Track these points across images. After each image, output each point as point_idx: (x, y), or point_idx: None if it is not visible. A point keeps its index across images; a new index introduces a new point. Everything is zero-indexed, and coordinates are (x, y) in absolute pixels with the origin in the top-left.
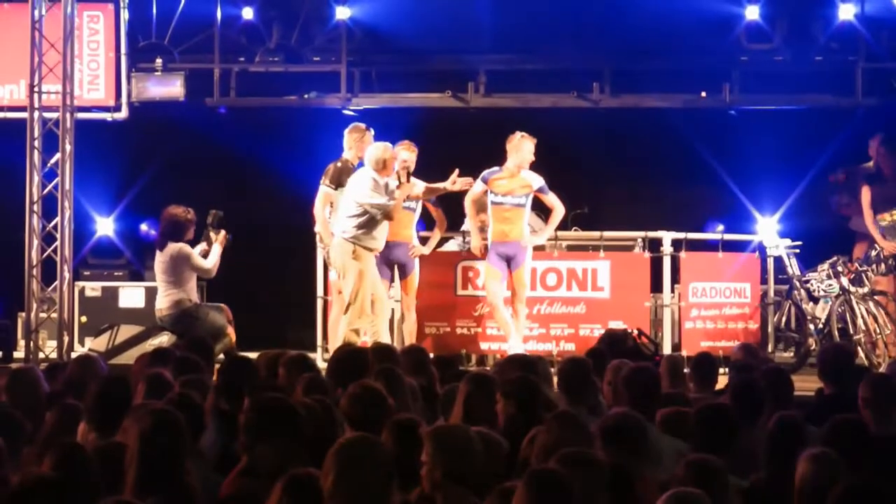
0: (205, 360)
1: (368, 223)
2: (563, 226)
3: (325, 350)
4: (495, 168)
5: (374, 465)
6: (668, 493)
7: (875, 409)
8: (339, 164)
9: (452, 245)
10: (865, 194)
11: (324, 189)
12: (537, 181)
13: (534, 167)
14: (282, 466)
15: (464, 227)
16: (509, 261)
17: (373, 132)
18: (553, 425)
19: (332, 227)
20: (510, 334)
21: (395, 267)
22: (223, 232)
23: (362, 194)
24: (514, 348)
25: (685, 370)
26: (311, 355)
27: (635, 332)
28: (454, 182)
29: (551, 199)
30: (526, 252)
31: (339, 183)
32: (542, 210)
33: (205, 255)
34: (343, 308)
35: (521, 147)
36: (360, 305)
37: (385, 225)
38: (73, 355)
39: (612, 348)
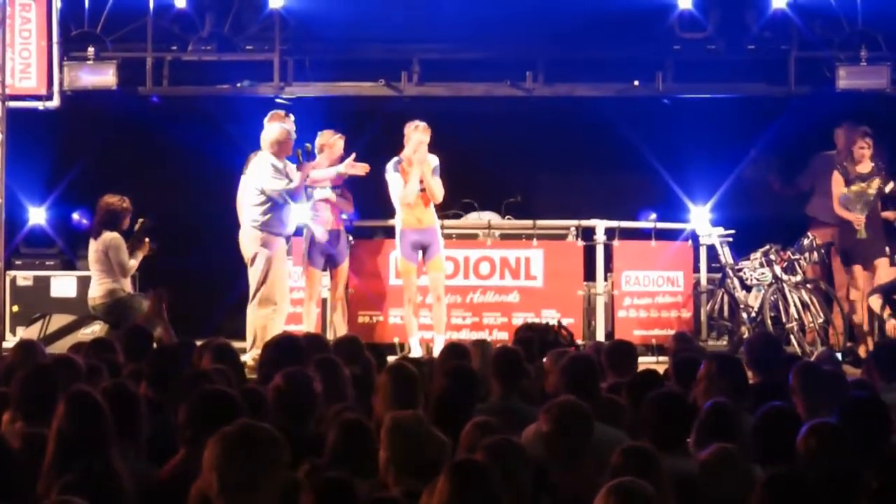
0: (145, 349)
1: (273, 209)
2: (497, 213)
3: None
4: (395, 158)
5: (258, 454)
6: (608, 483)
7: (804, 397)
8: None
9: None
10: (837, 180)
11: (242, 179)
12: (433, 161)
13: (466, 154)
14: None
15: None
16: (424, 249)
17: (292, 118)
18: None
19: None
20: (412, 332)
21: (327, 257)
22: (147, 240)
23: (263, 180)
24: (414, 347)
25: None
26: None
27: (554, 323)
28: (351, 166)
29: (434, 183)
30: (439, 238)
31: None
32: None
33: None
34: (253, 296)
35: (419, 139)
36: (267, 292)
37: (292, 208)
38: (4, 345)
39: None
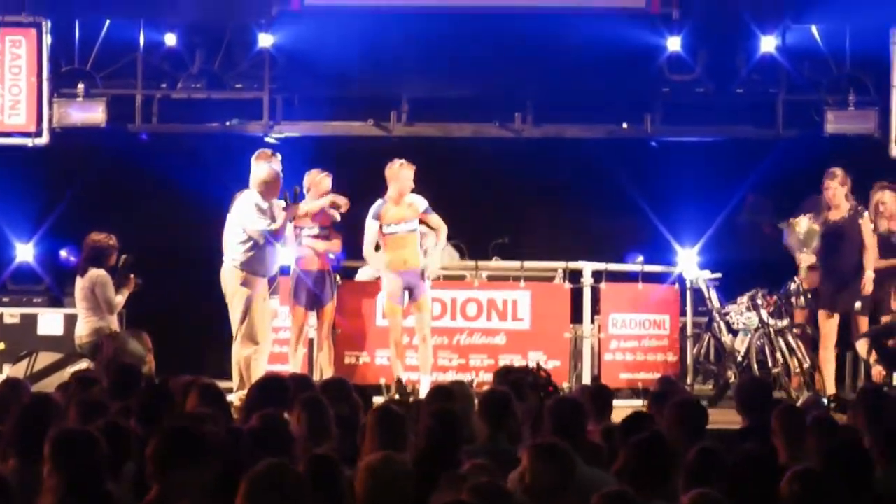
0: (134, 386)
1: (255, 248)
2: (484, 255)
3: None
4: (379, 201)
5: (287, 492)
6: None
7: (785, 440)
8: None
9: (365, 273)
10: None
11: (228, 218)
12: (422, 203)
13: (453, 195)
14: (192, 496)
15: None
16: (410, 290)
17: (279, 157)
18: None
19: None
20: (396, 372)
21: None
22: (132, 277)
23: (245, 219)
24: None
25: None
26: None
27: (534, 365)
28: (332, 203)
29: (435, 220)
30: (426, 280)
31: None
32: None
33: None
34: (236, 336)
35: (401, 175)
36: (249, 331)
37: (275, 249)
38: None
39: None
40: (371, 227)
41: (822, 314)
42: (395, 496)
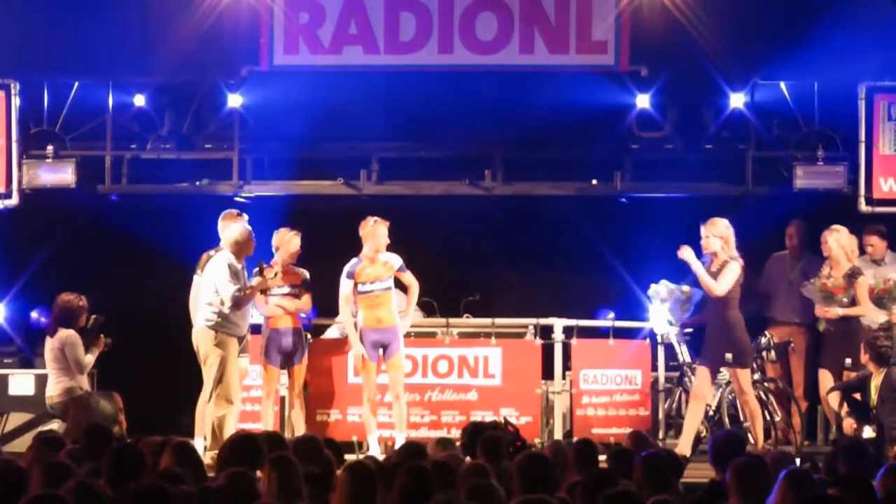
0: (105, 447)
1: (228, 309)
2: (455, 312)
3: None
4: (354, 260)
5: None
6: None
7: (740, 494)
8: (210, 252)
9: (333, 332)
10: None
11: (194, 279)
12: (397, 261)
13: (424, 253)
14: None
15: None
16: (384, 348)
17: (246, 217)
18: None
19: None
20: (371, 430)
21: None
22: (102, 337)
23: (217, 281)
24: (372, 445)
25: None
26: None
27: (502, 420)
28: (261, 282)
29: (409, 278)
30: (400, 338)
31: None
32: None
33: None
34: (207, 396)
35: (376, 232)
36: (223, 391)
37: (246, 309)
38: None
39: (475, 438)
40: (345, 285)
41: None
42: None
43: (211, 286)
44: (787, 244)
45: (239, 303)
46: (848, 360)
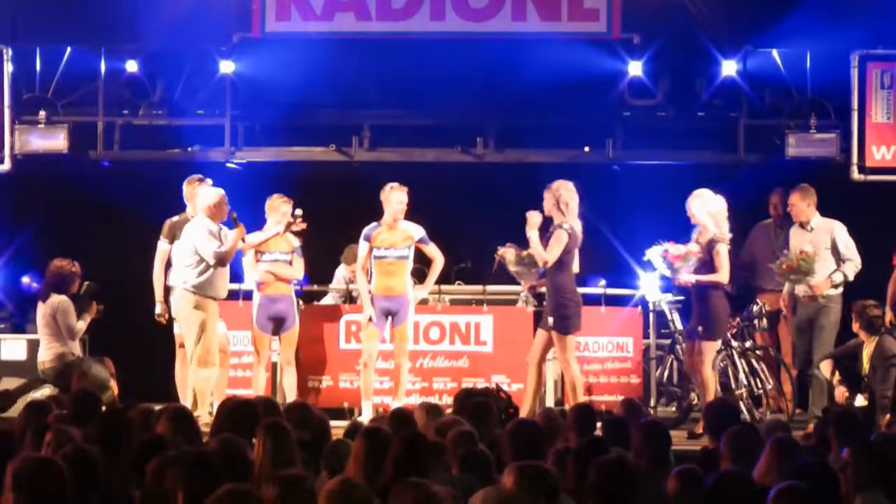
0: (93, 413)
1: (206, 271)
2: (447, 280)
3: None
4: (374, 224)
5: None
6: None
7: (733, 462)
8: (173, 219)
9: (329, 299)
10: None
11: (158, 245)
12: (418, 232)
13: (417, 219)
14: None
15: (333, 285)
16: (392, 315)
17: (209, 182)
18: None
19: (169, 280)
20: (366, 396)
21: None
22: (94, 303)
23: (196, 242)
24: (366, 411)
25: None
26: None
27: (494, 386)
28: (288, 225)
29: (431, 250)
30: (409, 307)
31: (173, 237)
32: (457, 276)
33: None
34: (188, 359)
35: (390, 198)
36: (204, 352)
37: (224, 271)
38: None
39: (466, 404)
40: (361, 247)
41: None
42: None
43: (189, 249)
44: (772, 213)
45: (222, 259)
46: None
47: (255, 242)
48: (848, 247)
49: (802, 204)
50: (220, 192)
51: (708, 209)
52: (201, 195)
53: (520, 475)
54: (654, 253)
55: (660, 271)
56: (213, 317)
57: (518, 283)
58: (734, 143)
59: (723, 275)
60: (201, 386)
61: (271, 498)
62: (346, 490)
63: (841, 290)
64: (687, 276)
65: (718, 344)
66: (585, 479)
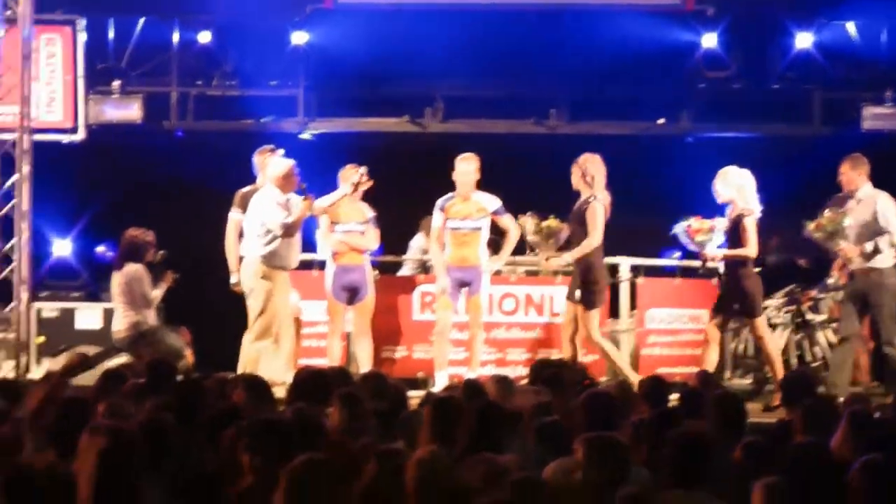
0: (168, 382)
1: (274, 241)
2: (521, 251)
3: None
4: (449, 194)
5: (326, 486)
6: None
7: (807, 434)
8: (244, 189)
9: (405, 270)
10: None
11: (230, 216)
12: (493, 203)
13: (489, 191)
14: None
15: (407, 256)
16: (466, 286)
17: (281, 152)
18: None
19: (241, 250)
20: (440, 367)
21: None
22: (170, 272)
23: (263, 212)
24: (439, 382)
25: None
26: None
27: (569, 358)
28: (354, 185)
29: (506, 221)
30: (483, 278)
31: (245, 207)
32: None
33: None
34: (249, 329)
35: (458, 170)
36: (265, 325)
37: (295, 242)
38: (30, 376)
39: (541, 375)
40: (435, 218)
41: None
42: (443, 491)
43: (257, 220)
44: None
45: (290, 229)
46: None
47: (324, 206)
48: (887, 218)
49: (853, 173)
50: (290, 162)
51: (734, 183)
52: (270, 165)
53: (588, 448)
54: (679, 228)
55: (687, 247)
56: (281, 288)
57: None
58: (808, 115)
59: (750, 249)
60: (252, 357)
61: (370, 473)
62: (436, 461)
63: (887, 263)
64: (714, 252)
65: (764, 317)
66: (660, 450)
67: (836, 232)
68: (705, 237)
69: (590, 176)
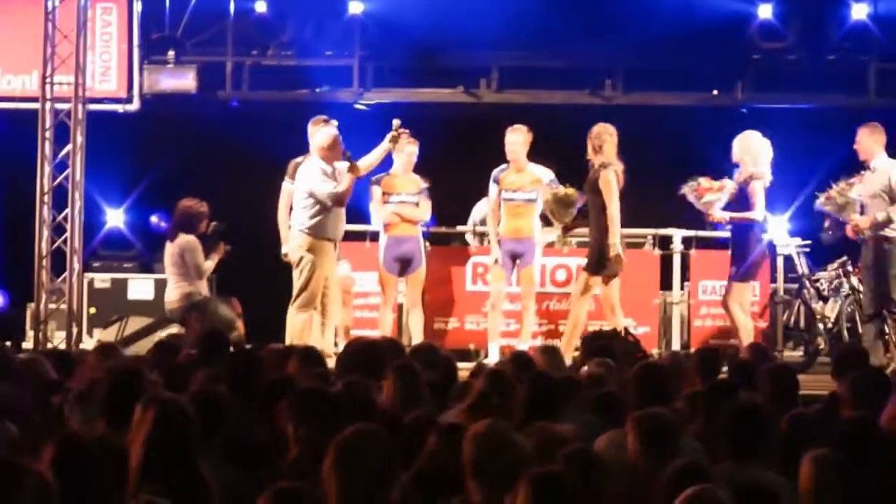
0: (221, 353)
1: (321, 213)
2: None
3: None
4: (503, 165)
5: (377, 457)
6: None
7: (856, 407)
8: (297, 160)
9: (470, 238)
10: None
11: (283, 186)
12: (547, 175)
13: (544, 162)
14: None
15: (465, 227)
16: (519, 258)
17: (334, 123)
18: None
19: (290, 221)
20: (493, 338)
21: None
22: (222, 244)
23: (311, 183)
24: (492, 353)
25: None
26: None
27: (622, 330)
28: (392, 141)
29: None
30: (535, 250)
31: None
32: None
33: None
34: (294, 300)
35: (506, 140)
36: (308, 297)
37: (341, 213)
38: (82, 346)
39: (593, 347)
40: (491, 189)
41: None
42: (500, 464)
43: (304, 191)
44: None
45: (339, 199)
46: None
47: (367, 165)
48: None
49: (869, 140)
50: (334, 132)
51: (750, 147)
52: (316, 136)
53: (638, 426)
54: (688, 188)
55: (696, 206)
56: (327, 259)
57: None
58: (864, 86)
59: (757, 212)
60: (296, 328)
61: (430, 446)
62: (497, 434)
63: None
64: (720, 214)
65: (750, 285)
66: (715, 422)
67: (846, 204)
68: (713, 196)
69: (598, 145)
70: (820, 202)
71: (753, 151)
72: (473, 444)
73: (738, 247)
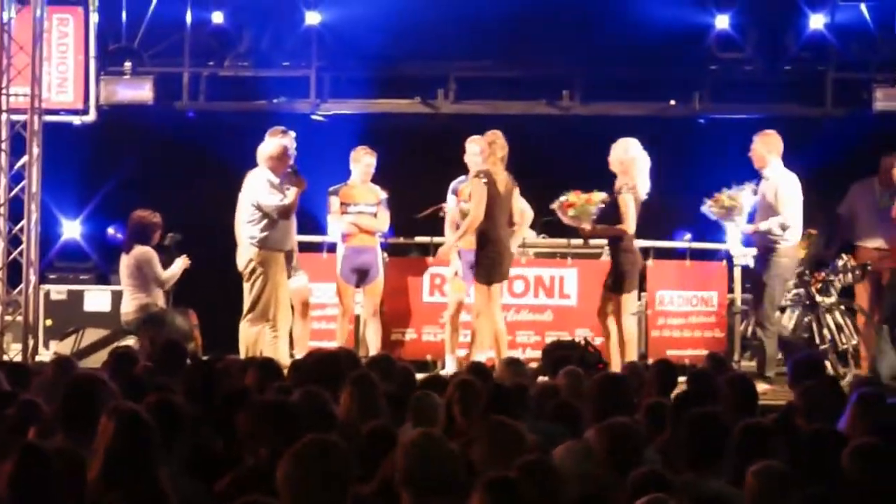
0: (179, 364)
1: (270, 225)
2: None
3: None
4: (461, 177)
5: (331, 468)
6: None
7: (809, 417)
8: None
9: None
10: None
11: (240, 197)
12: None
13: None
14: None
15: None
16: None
17: (292, 134)
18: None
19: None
20: (450, 350)
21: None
22: (185, 255)
23: (258, 195)
24: (449, 365)
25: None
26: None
27: (582, 341)
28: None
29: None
30: None
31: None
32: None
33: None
34: (247, 313)
35: (467, 150)
36: (261, 310)
37: (289, 224)
38: (38, 359)
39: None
40: (449, 201)
41: None
42: (435, 471)
43: (250, 203)
44: (881, 176)
45: (284, 212)
46: None
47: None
48: (782, 201)
49: (763, 149)
50: (283, 143)
51: (621, 157)
52: (263, 146)
53: (600, 432)
54: (556, 205)
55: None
56: (277, 271)
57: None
58: (821, 97)
59: (626, 224)
60: (249, 341)
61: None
62: (428, 443)
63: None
64: (589, 227)
65: (634, 296)
66: (676, 433)
67: (732, 208)
68: (578, 211)
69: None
70: (706, 205)
71: (626, 161)
72: (404, 453)
73: (612, 260)
